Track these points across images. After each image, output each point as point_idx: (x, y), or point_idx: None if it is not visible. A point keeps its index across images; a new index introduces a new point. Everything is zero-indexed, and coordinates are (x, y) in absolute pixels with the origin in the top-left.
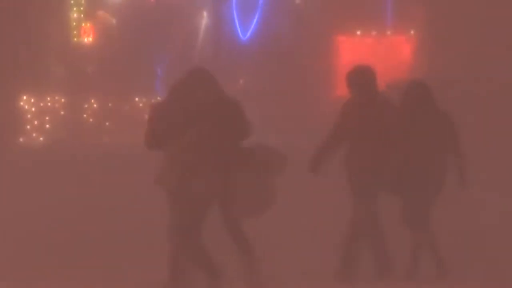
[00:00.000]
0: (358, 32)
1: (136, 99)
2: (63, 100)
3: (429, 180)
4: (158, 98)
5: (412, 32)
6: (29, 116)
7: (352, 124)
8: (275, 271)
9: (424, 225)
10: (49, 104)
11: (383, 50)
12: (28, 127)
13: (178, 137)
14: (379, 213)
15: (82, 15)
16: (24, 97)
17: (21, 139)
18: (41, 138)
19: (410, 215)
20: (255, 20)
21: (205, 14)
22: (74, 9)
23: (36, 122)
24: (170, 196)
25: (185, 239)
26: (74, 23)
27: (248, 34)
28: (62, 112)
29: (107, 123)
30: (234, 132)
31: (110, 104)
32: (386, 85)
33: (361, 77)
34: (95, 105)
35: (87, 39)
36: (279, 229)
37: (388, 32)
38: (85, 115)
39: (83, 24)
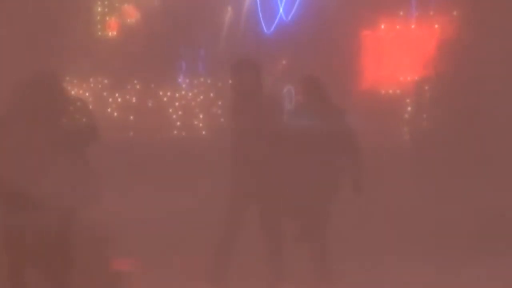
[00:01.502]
0: (382, 26)
1: (160, 93)
2: (87, 94)
3: (320, 183)
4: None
5: (436, 26)
6: None
7: (235, 123)
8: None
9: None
10: None
11: (407, 44)
12: None
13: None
14: (279, 219)
15: (106, 9)
16: None
17: None
18: None
19: (304, 223)
20: (278, 15)
21: (229, 8)
22: (99, 3)
23: None
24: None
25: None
26: (99, 17)
27: (272, 28)
28: None
29: (131, 118)
30: (77, 135)
31: (134, 99)
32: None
33: (239, 71)
34: (119, 100)
35: (111, 33)
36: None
37: (412, 26)
38: (109, 110)
39: (108, 18)
